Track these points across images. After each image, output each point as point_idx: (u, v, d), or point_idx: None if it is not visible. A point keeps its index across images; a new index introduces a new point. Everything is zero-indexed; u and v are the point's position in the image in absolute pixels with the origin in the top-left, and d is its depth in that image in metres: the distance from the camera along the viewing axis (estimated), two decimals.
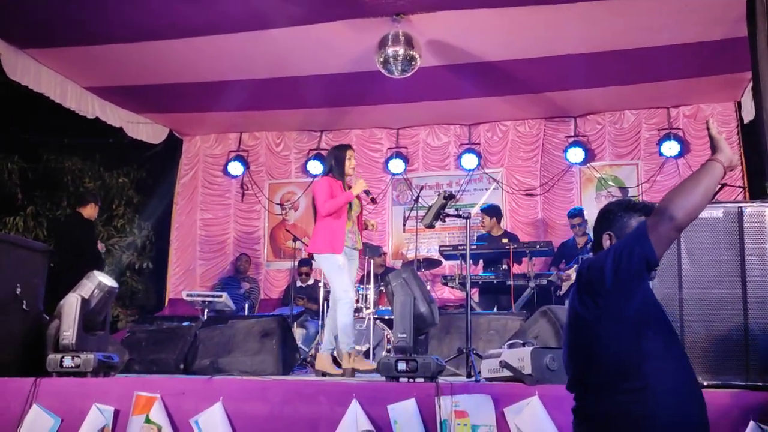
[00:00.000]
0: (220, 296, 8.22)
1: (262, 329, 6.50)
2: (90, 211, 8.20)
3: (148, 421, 4.34)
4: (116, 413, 4.40)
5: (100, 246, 8.30)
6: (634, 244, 2.27)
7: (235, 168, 10.53)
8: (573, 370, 2.51)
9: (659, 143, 9.32)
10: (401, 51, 6.87)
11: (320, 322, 8.28)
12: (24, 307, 5.20)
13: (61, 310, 4.73)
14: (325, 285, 8.44)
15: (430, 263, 8.71)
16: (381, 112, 9.81)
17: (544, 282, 7.53)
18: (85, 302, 4.74)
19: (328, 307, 8.36)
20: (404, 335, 4.31)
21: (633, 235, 2.31)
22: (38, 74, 7.95)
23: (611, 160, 9.73)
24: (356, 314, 6.94)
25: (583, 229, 8.28)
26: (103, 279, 4.90)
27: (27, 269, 5.31)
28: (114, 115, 9.32)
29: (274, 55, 7.82)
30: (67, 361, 4.63)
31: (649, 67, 8.03)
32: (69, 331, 4.66)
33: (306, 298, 9.00)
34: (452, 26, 7.14)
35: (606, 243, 2.52)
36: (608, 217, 2.57)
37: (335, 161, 5.99)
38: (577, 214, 8.42)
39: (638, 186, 9.48)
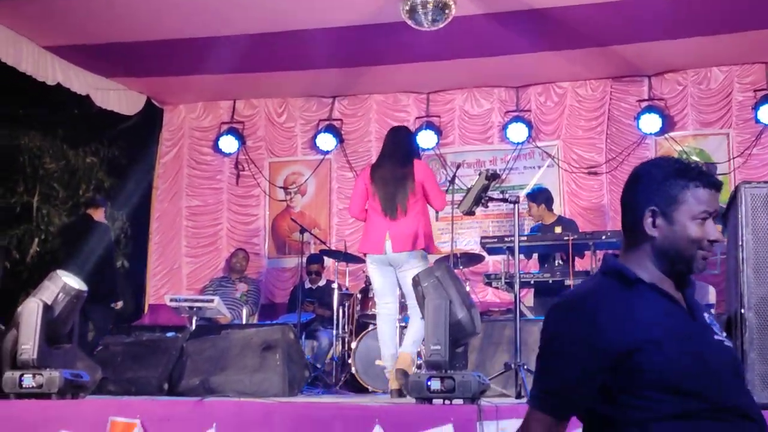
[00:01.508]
0: (212, 301, 8.29)
1: (264, 341, 6.56)
2: (100, 215, 8.93)
3: None
4: None
5: None
6: None
7: (229, 143, 10.57)
8: None
9: (755, 107, 9.23)
10: None
11: (334, 331, 8.35)
12: None
13: (19, 318, 4.80)
14: (340, 287, 8.51)
15: (470, 259, 8.71)
16: (407, 73, 9.79)
17: None
18: (48, 309, 4.82)
19: (343, 313, 8.46)
20: (438, 347, 4.33)
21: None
22: None
23: (695, 129, 9.67)
24: None
25: None
26: (69, 280, 4.97)
27: None
28: (79, 81, 9.38)
29: (273, 4, 7.83)
30: (27, 381, 4.70)
31: (743, 11, 7.95)
32: (29, 344, 4.73)
33: (317, 303, 9.06)
34: None
35: (648, 222, 2.26)
36: (646, 182, 2.29)
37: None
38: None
39: (729, 161, 9.40)
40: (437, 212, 6.72)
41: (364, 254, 6.51)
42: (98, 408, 4.63)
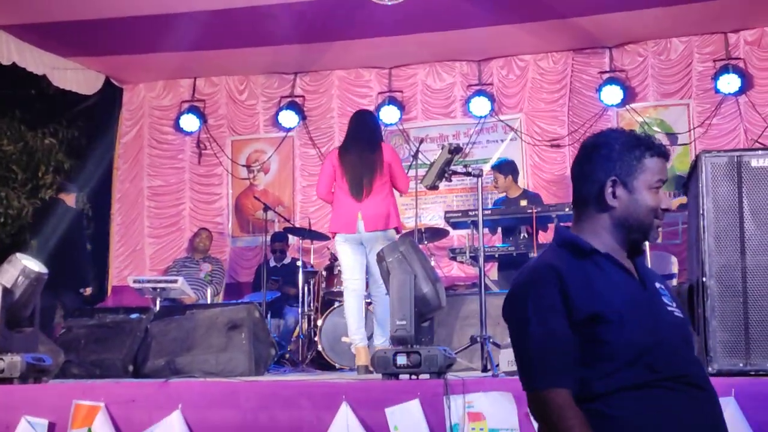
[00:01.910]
0: (176, 281, 8.23)
1: (229, 320, 6.54)
2: (72, 200, 8.99)
3: None
4: (51, 427, 4.45)
5: None
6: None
7: (189, 122, 10.49)
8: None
9: (715, 77, 9.29)
10: None
11: (300, 308, 8.34)
12: None
13: None
14: (304, 264, 8.49)
15: (435, 233, 8.72)
16: (369, 48, 9.75)
17: None
18: (7, 293, 4.76)
19: (308, 290, 8.46)
20: (403, 322, 4.34)
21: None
22: None
23: (656, 99, 9.72)
24: None
25: None
26: (29, 263, 4.92)
27: None
28: (36, 60, 9.24)
29: None
30: None
31: None
32: None
33: (281, 281, 9.04)
34: None
35: (609, 191, 2.27)
36: (606, 153, 2.29)
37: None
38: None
39: (690, 131, 9.48)
40: (401, 194, 6.91)
41: (334, 234, 6.60)
42: (61, 392, 4.60)
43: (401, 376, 4.37)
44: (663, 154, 2.32)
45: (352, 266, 6.47)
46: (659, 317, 2.25)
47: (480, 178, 5.47)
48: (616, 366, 2.13)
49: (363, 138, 6.50)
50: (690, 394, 2.18)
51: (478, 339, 5.04)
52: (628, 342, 2.14)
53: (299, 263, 8.49)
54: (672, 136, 9.55)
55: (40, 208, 9.97)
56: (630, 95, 9.66)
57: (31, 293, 4.92)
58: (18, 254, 4.98)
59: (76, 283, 8.70)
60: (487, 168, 9.69)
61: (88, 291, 8.91)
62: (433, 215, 9.87)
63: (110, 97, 10.68)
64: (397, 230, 6.46)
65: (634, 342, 2.15)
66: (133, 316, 7.03)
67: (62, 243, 8.44)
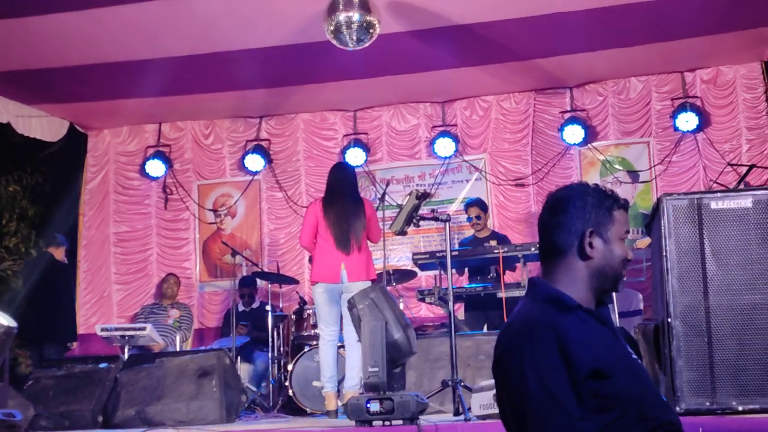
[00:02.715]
0: (144, 329, 8.18)
1: (199, 368, 6.55)
2: (61, 254, 9.13)
3: None
4: None
5: None
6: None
7: (155, 167, 10.49)
8: None
9: (673, 116, 9.49)
10: (356, 16, 6.91)
11: (270, 353, 8.33)
12: None
13: None
14: (273, 308, 8.50)
15: (403, 275, 8.78)
16: (333, 91, 9.84)
17: None
18: None
19: (277, 334, 8.46)
20: (376, 369, 4.38)
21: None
22: None
23: (617, 138, 9.90)
24: None
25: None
26: None
27: None
28: (0, 109, 9.22)
29: (196, 26, 7.81)
30: None
31: (659, 23, 8.17)
32: None
33: (251, 326, 9.02)
34: None
35: (587, 242, 2.33)
36: (580, 204, 2.36)
37: None
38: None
39: (651, 168, 9.66)
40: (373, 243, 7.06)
41: (315, 283, 6.74)
42: None
43: (375, 423, 4.40)
44: (627, 206, 2.42)
45: (328, 317, 6.61)
46: (636, 367, 2.33)
47: (448, 223, 5.55)
48: (613, 417, 2.17)
49: (347, 193, 6.72)
50: None
51: (450, 383, 5.08)
52: (624, 394, 2.19)
53: (268, 307, 8.49)
54: (633, 174, 9.72)
55: (29, 262, 9.93)
56: (591, 134, 9.83)
57: (1, 346, 4.89)
58: None
59: (64, 337, 8.90)
60: (454, 208, 9.83)
61: (74, 345, 8.95)
62: (400, 256, 9.93)
63: (75, 143, 10.65)
64: (373, 281, 6.60)
65: (629, 393, 2.20)
66: (102, 365, 7.00)
67: (50, 297, 8.67)
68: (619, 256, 2.36)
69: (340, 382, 6.64)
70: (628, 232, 2.40)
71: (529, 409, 2.17)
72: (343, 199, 6.68)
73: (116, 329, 8.30)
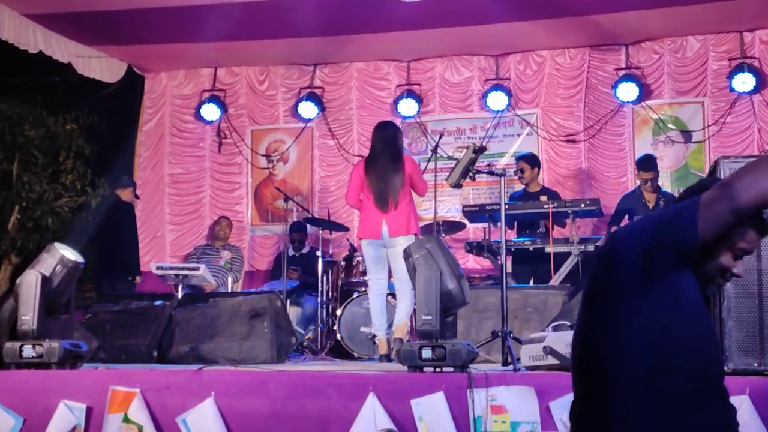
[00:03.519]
0: (198, 269, 8.37)
1: (252, 309, 6.69)
2: (128, 195, 9.45)
3: (126, 420, 4.54)
4: (89, 411, 4.59)
5: None
6: (675, 218, 2.28)
7: (210, 111, 10.60)
8: None
9: (730, 76, 9.37)
10: None
11: (319, 298, 8.49)
12: None
13: (18, 290, 4.89)
14: (323, 254, 8.64)
15: (452, 226, 8.86)
16: (388, 41, 9.86)
17: (591, 248, 7.67)
18: (46, 281, 4.91)
19: (327, 279, 8.62)
20: (429, 317, 4.48)
21: (678, 208, 2.31)
22: None
23: (671, 97, 9.81)
24: None
25: (656, 185, 8.37)
26: (66, 252, 5.06)
27: None
28: (61, 49, 9.39)
29: None
30: (28, 351, 4.81)
31: None
32: (29, 316, 4.83)
33: (300, 270, 9.17)
34: None
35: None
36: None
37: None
38: (651, 166, 8.39)
39: (704, 129, 9.58)
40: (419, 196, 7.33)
41: (361, 238, 7.01)
42: (98, 377, 4.75)
43: (426, 369, 4.52)
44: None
45: (376, 267, 6.90)
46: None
47: (503, 178, 5.61)
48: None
49: (386, 152, 6.90)
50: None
51: (500, 333, 5.18)
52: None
53: (318, 253, 8.63)
54: (686, 134, 9.65)
55: (98, 204, 10.17)
56: (645, 92, 9.74)
57: (68, 282, 5.07)
58: (56, 244, 5.12)
59: (128, 272, 9.19)
60: (504, 161, 9.84)
61: (138, 279, 9.21)
62: (449, 207, 10.00)
63: (132, 85, 10.79)
64: (416, 236, 6.77)
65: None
66: (158, 302, 7.18)
67: (116, 236, 9.04)
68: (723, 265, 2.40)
69: (389, 327, 6.84)
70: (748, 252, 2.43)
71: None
72: (383, 158, 6.87)
73: (171, 268, 8.52)
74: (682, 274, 2.32)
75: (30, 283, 4.89)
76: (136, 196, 9.72)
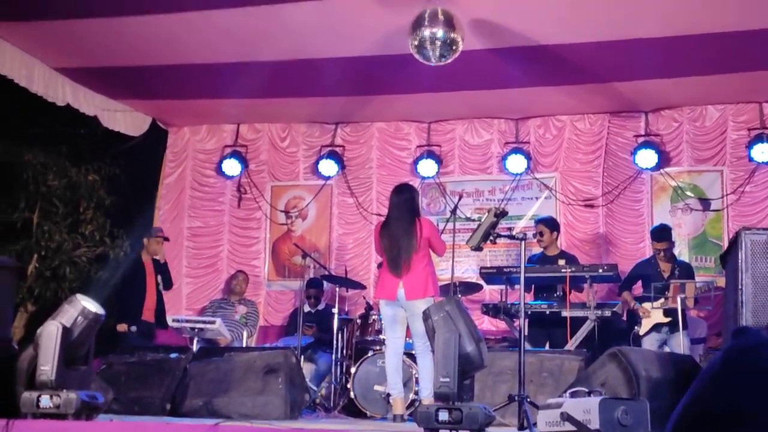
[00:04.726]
0: (214, 323, 8.39)
1: (266, 365, 6.69)
2: (155, 245, 9.54)
3: None
4: None
5: None
6: None
7: (231, 166, 10.72)
8: None
9: (749, 146, 9.43)
10: (440, 33, 7.01)
11: (333, 355, 8.48)
12: None
13: (38, 340, 4.91)
14: (340, 311, 8.65)
15: (468, 287, 8.87)
16: (409, 102, 9.98)
17: (608, 313, 7.67)
18: (66, 332, 4.92)
19: (342, 337, 8.61)
20: (447, 379, 4.47)
21: None
22: (1, 52, 8.19)
23: (690, 165, 9.86)
24: None
25: (670, 254, 8.37)
26: (88, 304, 5.08)
27: None
28: (88, 102, 9.55)
29: (282, 35, 8.00)
30: (45, 401, 4.80)
31: (739, 53, 8.15)
32: (48, 366, 4.83)
33: (316, 326, 9.17)
34: (501, 1, 7.32)
35: None
36: None
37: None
38: (664, 236, 8.39)
39: (723, 197, 9.60)
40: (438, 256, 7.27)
41: (378, 299, 7.09)
42: (114, 430, 4.75)
43: (442, 431, 4.50)
44: None
45: (393, 327, 6.87)
46: None
47: (523, 242, 5.64)
48: None
49: (401, 217, 6.87)
50: None
51: (516, 398, 5.16)
52: None
53: (334, 310, 8.63)
54: (705, 202, 9.67)
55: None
56: (664, 159, 9.79)
57: (88, 333, 5.08)
58: (78, 295, 5.15)
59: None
60: (523, 223, 9.88)
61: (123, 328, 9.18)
62: (466, 268, 10.01)
63: (155, 138, 10.93)
64: (435, 297, 6.76)
65: None
66: (173, 355, 7.19)
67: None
68: None
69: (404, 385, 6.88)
70: None
71: None
72: (397, 223, 6.86)
73: (187, 321, 8.54)
74: None
75: (50, 333, 4.91)
76: (166, 239, 9.68)
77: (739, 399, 1.94)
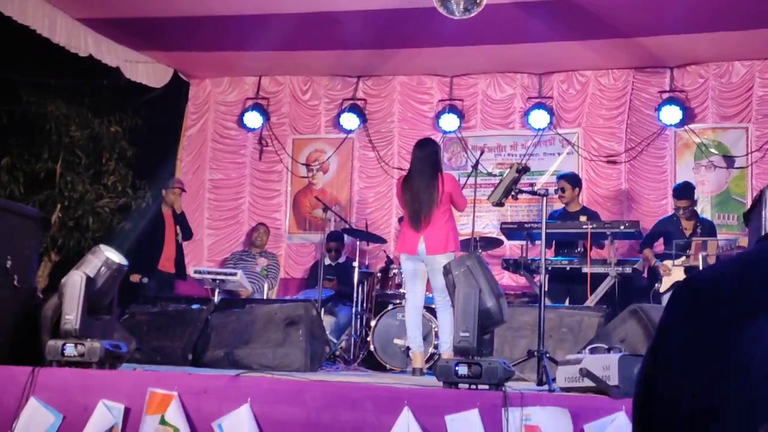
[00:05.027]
0: (235, 275, 8.44)
1: (287, 316, 6.74)
2: (173, 196, 9.66)
3: (163, 422, 4.59)
4: (126, 412, 4.65)
5: None
6: None
7: (253, 119, 10.72)
8: None
9: None
10: None
11: (353, 308, 8.53)
12: (15, 283, 5.47)
13: (63, 289, 4.97)
14: (360, 265, 8.69)
15: (488, 242, 8.88)
16: (432, 56, 9.93)
17: (628, 270, 7.66)
18: (90, 281, 4.98)
19: (362, 290, 8.66)
20: (467, 334, 4.49)
21: None
22: (24, 3, 8.20)
23: (715, 122, 9.76)
24: None
25: (692, 212, 8.33)
26: (111, 255, 5.14)
27: (18, 239, 5.57)
28: (110, 53, 9.57)
29: None
30: (69, 350, 4.88)
31: (766, 7, 8.03)
32: (72, 315, 4.90)
33: (336, 279, 9.22)
34: None
35: None
36: None
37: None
38: (686, 194, 8.35)
39: (747, 155, 9.52)
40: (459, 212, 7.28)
41: (398, 254, 7.07)
42: (137, 379, 4.81)
43: (461, 386, 4.52)
44: None
45: (413, 281, 6.87)
46: None
47: (545, 197, 5.62)
48: None
49: (424, 171, 6.83)
50: None
51: (535, 353, 5.19)
52: None
53: (355, 263, 8.67)
54: (729, 159, 9.59)
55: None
56: (689, 116, 9.70)
57: (111, 283, 5.15)
58: (101, 246, 5.21)
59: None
60: (543, 179, 9.84)
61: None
62: (487, 224, 10.01)
63: (177, 90, 10.95)
64: (456, 252, 6.79)
65: None
66: (194, 306, 7.27)
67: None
68: None
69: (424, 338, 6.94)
70: None
71: None
72: (419, 177, 6.83)
73: (209, 273, 8.59)
74: None
75: (75, 283, 4.97)
76: (183, 190, 9.73)
77: None
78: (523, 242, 8.22)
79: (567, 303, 7.91)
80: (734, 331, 1.01)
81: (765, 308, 1.02)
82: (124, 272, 5.29)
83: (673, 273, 7.91)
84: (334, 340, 8.53)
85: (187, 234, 9.61)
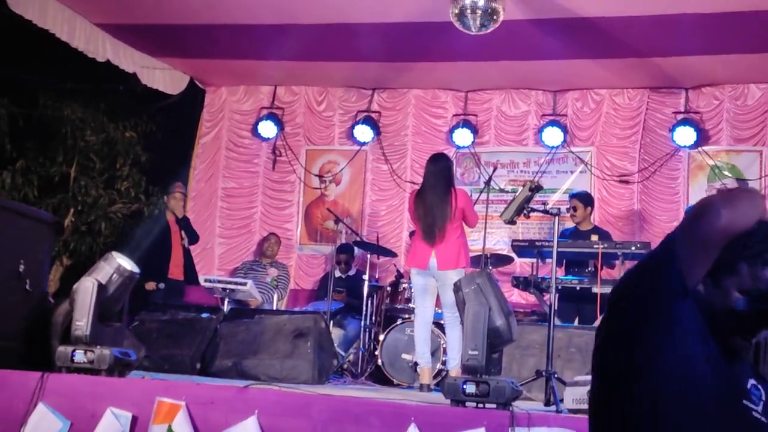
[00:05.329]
0: (245, 284, 8.41)
1: (296, 328, 6.75)
2: (176, 203, 9.66)
3: (170, 431, 4.61)
4: (134, 420, 4.66)
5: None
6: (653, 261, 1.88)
7: (267, 128, 10.74)
8: None
9: None
10: (481, 2, 7.02)
11: (362, 321, 8.53)
12: (27, 287, 5.50)
13: (74, 295, 5.00)
14: (371, 278, 8.69)
15: (499, 259, 8.86)
16: (447, 71, 9.94)
17: None
18: (102, 288, 5.01)
19: (371, 303, 8.65)
20: (476, 352, 4.49)
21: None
22: (44, 7, 8.26)
23: (729, 144, 9.74)
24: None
25: None
26: (123, 262, 5.17)
27: (31, 243, 5.61)
28: (128, 59, 9.62)
29: None
30: (79, 356, 4.90)
31: None
32: (83, 321, 4.93)
33: (345, 292, 9.22)
34: None
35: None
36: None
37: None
38: None
39: (761, 178, 9.48)
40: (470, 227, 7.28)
41: (409, 268, 7.08)
42: (145, 387, 4.82)
43: (468, 404, 4.53)
44: None
45: (423, 296, 6.89)
46: None
47: (557, 217, 5.62)
48: None
49: (436, 186, 6.85)
50: None
51: (544, 373, 5.18)
52: None
53: (365, 276, 8.67)
54: (742, 182, 9.55)
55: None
56: (703, 137, 9.69)
57: (122, 290, 5.18)
58: (113, 252, 5.24)
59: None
60: (555, 198, 9.83)
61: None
62: (497, 240, 9.99)
63: (192, 97, 10.99)
64: (467, 268, 6.81)
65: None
66: (204, 315, 7.28)
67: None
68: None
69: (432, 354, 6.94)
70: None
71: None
72: (432, 192, 6.84)
73: (219, 281, 8.58)
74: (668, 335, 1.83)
75: (86, 289, 5.00)
76: (184, 194, 9.75)
77: None
78: (534, 260, 8.20)
79: (576, 323, 7.88)
80: None
81: None
82: (135, 280, 5.31)
83: None
84: (342, 353, 8.52)
85: (192, 237, 9.61)
